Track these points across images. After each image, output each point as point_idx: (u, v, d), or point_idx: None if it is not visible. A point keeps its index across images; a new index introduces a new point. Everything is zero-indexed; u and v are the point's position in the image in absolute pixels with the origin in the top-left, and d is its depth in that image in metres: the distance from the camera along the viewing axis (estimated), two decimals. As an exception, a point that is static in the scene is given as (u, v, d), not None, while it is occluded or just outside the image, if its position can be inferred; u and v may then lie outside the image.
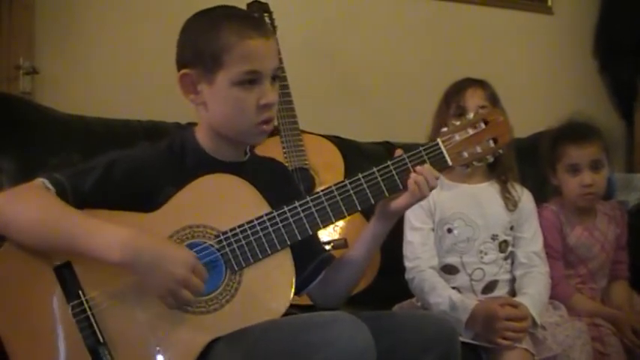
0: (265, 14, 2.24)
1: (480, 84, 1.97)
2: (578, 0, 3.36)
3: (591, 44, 3.37)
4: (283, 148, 2.19)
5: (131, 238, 1.24)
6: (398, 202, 1.40)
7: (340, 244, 2.11)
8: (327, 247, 2.07)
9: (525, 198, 2.00)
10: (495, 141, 1.40)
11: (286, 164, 2.16)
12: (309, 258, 1.52)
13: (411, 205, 1.40)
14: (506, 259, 1.95)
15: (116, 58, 2.46)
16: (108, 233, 1.24)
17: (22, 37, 2.29)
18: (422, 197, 1.38)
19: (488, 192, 1.97)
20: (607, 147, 2.09)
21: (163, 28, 2.47)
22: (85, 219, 1.27)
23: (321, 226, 1.35)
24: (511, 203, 1.96)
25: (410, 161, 1.37)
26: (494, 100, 1.95)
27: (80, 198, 1.32)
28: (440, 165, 1.38)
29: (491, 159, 1.42)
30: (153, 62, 2.47)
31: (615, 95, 3.40)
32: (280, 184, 1.51)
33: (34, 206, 1.29)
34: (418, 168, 1.37)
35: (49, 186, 1.31)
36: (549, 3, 3.29)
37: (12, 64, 2.26)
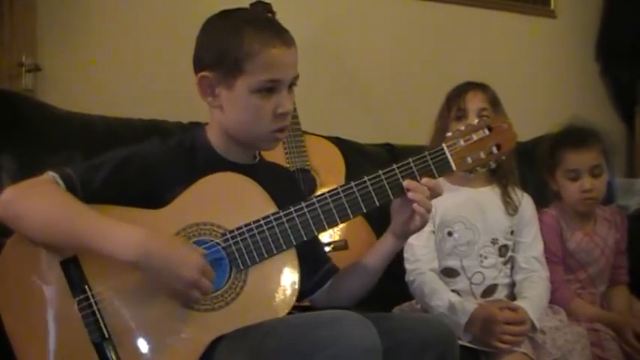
0: (268, 14, 2.24)
1: (481, 87, 1.98)
2: (580, 3, 3.37)
3: (593, 48, 3.38)
4: (285, 148, 2.19)
5: (144, 239, 1.25)
6: (415, 225, 1.40)
7: (340, 245, 2.12)
8: (328, 249, 2.07)
9: (526, 202, 2.00)
10: (499, 147, 1.41)
11: (288, 165, 2.17)
12: (315, 268, 1.52)
13: (427, 221, 1.40)
14: (505, 263, 1.95)
15: (118, 57, 2.46)
16: (121, 233, 1.25)
17: (24, 34, 2.28)
18: (429, 211, 1.38)
19: (489, 196, 1.97)
20: (606, 151, 2.09)
21: (166, 27, 2.49)
22: (98, 217, 1.27)
23: (327, 227, 1.36)
24: (511, 207, 1.96)
25: (415, 165, 1.38)
26: (495, 103, 1.96)
27: (90, 193, 1.31)
28: (444, 170, 1.39)
29: (493, 165, 1.43)
30: (155, 61, 2.48)
31: (617, 99, 3.41)
32: (287, 190, 1.51)
33: (46, 202, 1.29)
34: (410, 186, 1.36)
35: (59, 181, 1.31)
36: (552, 6, 3.30)
37: (14, 62, 2.25)
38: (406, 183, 1.36)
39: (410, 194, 1.36)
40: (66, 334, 1.27)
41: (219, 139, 1.45)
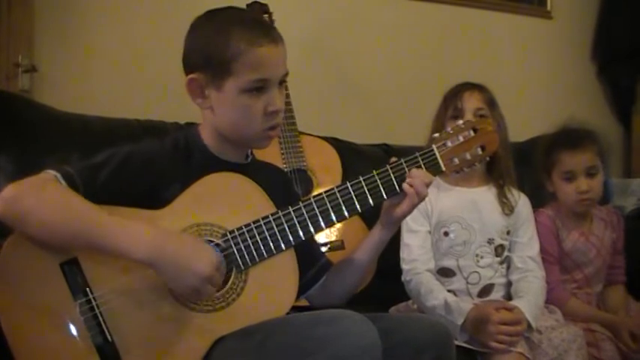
0: (265, 15, 2.24)
1: (478, 87, 1.98)
2: (577, 4, 3.38)
3: (590, 48, 3.39)
4: (281, 149, 2.20)
5: (156, 236, 1.25)
6: (401, 208, 1.42)
7: (337, 245, 2.12)
8: (325, 249, 2.07)
9: (522, 202, 2.00)
10: (483, 148, 1.46)
11: (284, 165, 2.17)
12: (309, 264, 1.53)
13: (414, 209, 1.43)
14: (502, 263, 1.95)
15: (115, 57, 2.46)
16: (133, 231, 1.24)
17: (21, 34, 2.28)
18: (421, 198, 1.41)
19: (485, 196, 1.97)
20: (602, 152, 2.09)
21: (163, 27, 2.49)
22: (107, 216, 1.25)
23: (324, 227, 1.38)
24: (507, 207, 1.96)
25: (407, 166, 1.41)
26: (491, 103, 1.96)
27: (92, 192, 1.30)
28: (434, 170, 1.43)
29: (478, 165, 1.47)
30: (152, 61, 2.48)
31: (613, 99, 3.42)
32: (280, 189, 1.51)
33: (54, 200, 1.27)
34: (411, 172, 1.40)
35: (61, 180, 1.30)
36: (548, 7, 3.30)
37: (11, 62, 2.25)
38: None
39: (409, 180, 1.39)
40: (66, 337, 1.26)
41: (213, 139, 1.45)
